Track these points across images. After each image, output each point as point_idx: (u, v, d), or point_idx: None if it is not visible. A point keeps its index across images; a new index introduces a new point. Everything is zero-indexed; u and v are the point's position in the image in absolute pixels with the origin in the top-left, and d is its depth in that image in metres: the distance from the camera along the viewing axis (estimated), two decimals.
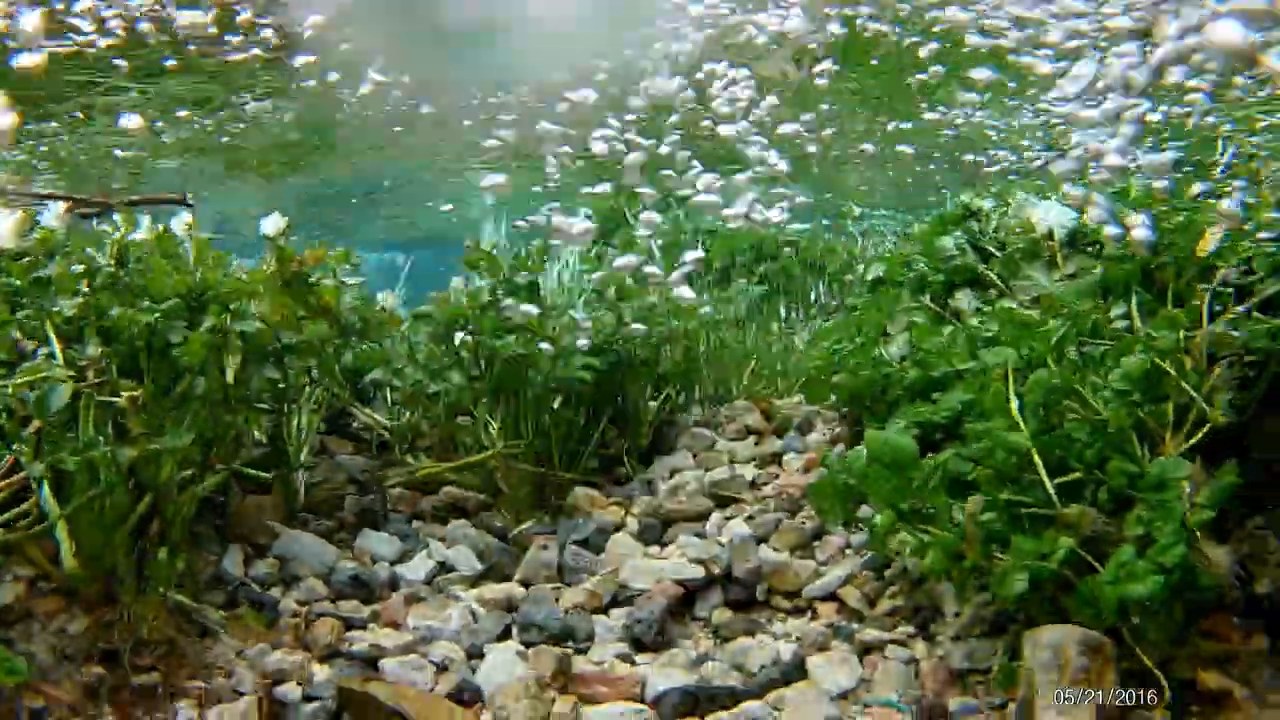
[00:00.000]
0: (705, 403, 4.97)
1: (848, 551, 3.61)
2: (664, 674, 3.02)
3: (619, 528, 3.92)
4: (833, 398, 4.19)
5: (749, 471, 4.18)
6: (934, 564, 2.85)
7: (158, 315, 3.29)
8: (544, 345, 4.04)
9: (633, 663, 3.16)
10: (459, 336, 4.15)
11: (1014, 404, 2.89)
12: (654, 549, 3.76)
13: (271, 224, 3.95)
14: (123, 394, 3.10)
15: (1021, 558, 2.64)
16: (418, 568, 3.76)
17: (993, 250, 4.02)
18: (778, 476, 4.15)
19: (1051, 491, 2.73)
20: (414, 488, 4.35)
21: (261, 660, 3.08)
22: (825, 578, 3.43)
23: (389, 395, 4.64)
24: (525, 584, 3.65)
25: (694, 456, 4.45)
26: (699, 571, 3.45)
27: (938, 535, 2.85)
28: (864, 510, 3.64)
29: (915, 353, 3.73)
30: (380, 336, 4.44)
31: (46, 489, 3.05)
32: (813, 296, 5.99)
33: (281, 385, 3.93)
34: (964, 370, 3.37)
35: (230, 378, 3.48)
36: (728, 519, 3.85)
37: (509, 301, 4.10)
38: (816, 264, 6.06)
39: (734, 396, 5.06)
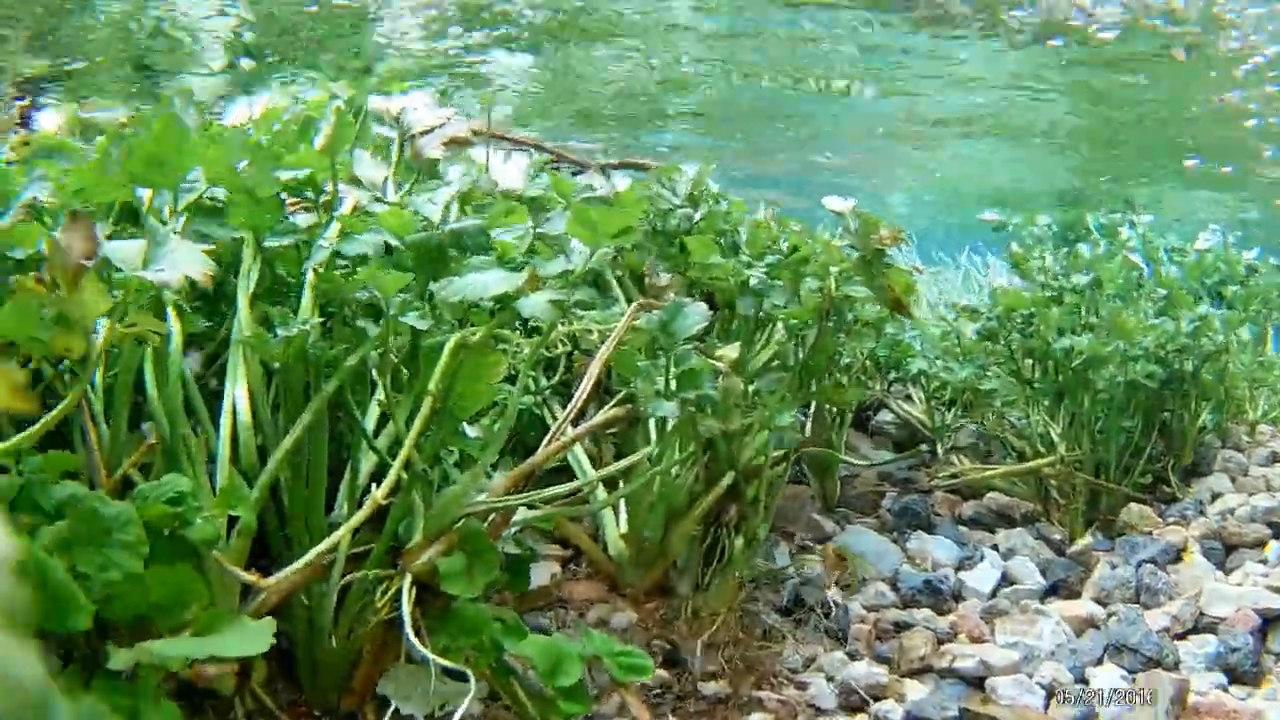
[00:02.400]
0: (1228, 426, 4.89)
1: None
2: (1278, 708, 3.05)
3: (1182, 550, 3.92)
4: None
5: None
6: None
7: (765, 270, 2.94)
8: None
9: (1228, 693, 3.18)
10: (1012, 335, 4.14)
11: None
12: (1218, 574, 3.78)
13: (838, 203, 3.22)
14: (721, 355, 2.66)
15: None
16: (984, 578, 3.75)
17: None
18: None
19: None
20: (952, 491, 4.41)
21: (841, 671, 2.92)
22: None
23: (924, 390, 4.71)
24: (1099, 603, 3.66)
25: (1231, 480, 4.47)
26: (1278, 601, 3.46)
27: None
28: None
29: None
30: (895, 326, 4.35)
31: (586, 459, 2.83)
32: None
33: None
34: None
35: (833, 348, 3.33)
36: None
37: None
38: None
39: (1251, 420, 5.04)
